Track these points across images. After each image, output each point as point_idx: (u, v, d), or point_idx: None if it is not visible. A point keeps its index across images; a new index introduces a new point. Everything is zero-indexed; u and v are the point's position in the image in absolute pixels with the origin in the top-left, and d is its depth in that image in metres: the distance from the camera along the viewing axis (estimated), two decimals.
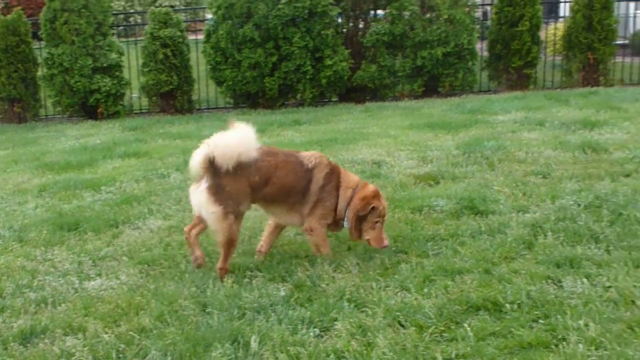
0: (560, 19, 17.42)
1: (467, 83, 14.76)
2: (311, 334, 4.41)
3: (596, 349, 4.05)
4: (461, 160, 8.39)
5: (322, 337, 4.42)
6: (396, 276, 5.18)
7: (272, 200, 5.60)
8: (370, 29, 14.39)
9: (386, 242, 5.58)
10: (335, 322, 4.53)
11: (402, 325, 4.47)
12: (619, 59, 16.00)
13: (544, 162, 8.11)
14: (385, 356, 4.11)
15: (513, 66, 14.81)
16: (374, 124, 11.34)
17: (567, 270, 5.11)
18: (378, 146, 9.42)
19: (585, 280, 4.92)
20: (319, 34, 13.85)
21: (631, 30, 18.93)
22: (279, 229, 5.90)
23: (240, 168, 5.28)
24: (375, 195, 5.61)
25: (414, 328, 4.40)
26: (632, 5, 18.37)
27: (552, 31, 17.40)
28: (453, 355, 4.10)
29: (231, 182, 5.27)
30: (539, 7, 14.76)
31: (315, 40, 13.83)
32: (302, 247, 5.86)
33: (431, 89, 14.64)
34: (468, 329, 4.35)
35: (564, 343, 4.14)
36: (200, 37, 15.03)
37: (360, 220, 5.55)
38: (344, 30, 14.86)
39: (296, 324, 4.51)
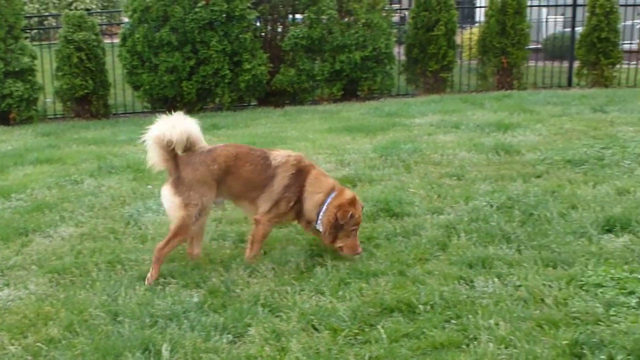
0: (476, 24, 17.74)
1: (385, 87, 14.89)
2: (224, 340, 4.35)
3: (506, 348, 4.11)
4: (378, 163, 8.44)
5: (235, 343, 4.37)
6: (311, 280, 5.17)
7: (236, 193, 5.62)
8: (289, 32, 14.38)
9: (359, 249, 5.55)
10: (249, 328, 4.49)
11: (316, 329, 4.45)
12: (532, 63, 16.39)
13: (459, 164, 8.23)
14: None
15: (430, 70, 15.02)
16: (293, 128, 11.33)
17: (479, 271, 5.19)
18: (296, 150, 9.36)
19: (496, 279, 5.00)
20: (237, 38, 13.76)
21: (544, 34, 19.43)
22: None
23: (198, 159, 5.37)
24: (352, 203, 5.55)
25: (327, 332, 4.40)
26: (544, 10, 18.88)
27: (468, 36, 17.72)
28: (366, 358, 4.11)
29: (190, 172, 5.33)
30: (454, 12, 15.01)
31: (233, 44, 13.75)
32: (217, 252, 5.79)
33: (350, 93, 14.72)
34: (382, 331, 4.37)
35: (475, 342, 4.19)
36: (117, 40, 14.77)
37: (336, 228, 5.48)
38: (263, 34, 14.83)
39: (209, 331, 4.45)
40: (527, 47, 15.55)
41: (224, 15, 13.60)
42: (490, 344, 4.13)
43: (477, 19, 19.10)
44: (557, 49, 17.93)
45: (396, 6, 16.98)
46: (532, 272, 5.07)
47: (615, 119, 10.76)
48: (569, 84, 16.04)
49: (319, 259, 5.59)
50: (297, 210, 5.65)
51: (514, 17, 14.95)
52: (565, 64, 16.50)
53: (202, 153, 5.45)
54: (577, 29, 16.06)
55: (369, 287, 4.99)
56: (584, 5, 15.67)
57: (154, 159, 5.41)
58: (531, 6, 16.27)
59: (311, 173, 5.63)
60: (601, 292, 4.73)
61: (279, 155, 5.63)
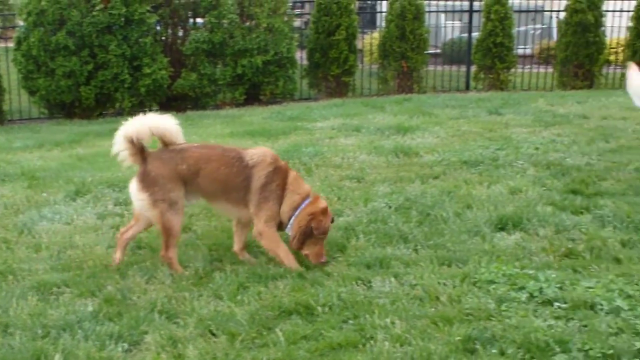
0: (377, 29, 17.98)
1: (287, 91, 14.92)
2: (119, 349, 4.27)
3: (401, 346, 4.18)
4: None
5: (131, 351, 4.30)
6: (210, 285, 5.13)
7: (210, 194, 5.58)
8: (190, 37, 14.25)
9: (325, 258, 5.48)
10: (145, 335, 4.42)
11: (213, 334, 4.42)
12: (431, 67, 16.74)
13: (359, 166, 8.32)
14: None
15: (332, 74, 15.14)
16: (195, 133, 11.20)
17: (377, 271, 5.26)
18: None
19: (393, 279, 5.07)
20: (137, 42, 13.55)
21: (442, 40, 19.86)
22: (242, 225, 5.70)
23: (167, 156, 5.41)
24: (324, 212, 5.50)
25: (225, 336, 4.37)
26: (442, 16, 19.30)
27: (370, 40, 17.95)
28: None
29: (157, 168, 5.36)
30: (355, 17, 15.18)
31: (133, 48, 13.52)
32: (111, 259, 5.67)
33: (253, 97, 14.69)
34: (280, 333, 4.37)
35: (372, 342, 4.24)
36: (11, 44, 14.31)
37: (306, 235, 5.43)
38: (163, 38, 14.63)
39: (104, 340, 4.35)
40: (426, 52, 15.85)
41: (123, 19, 13.36)
42: (386, 343, 4.19)
43: (377, 24, 19.37)
44: (455, 54, 18.38)
45: (298, 11, 17.02)
46: (428, 271, 5.18)
47: (510, 121, 11.08)
48: (467, 87, 16.44)
49: (218, 263, 5.55)
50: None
51: (413, 22, 15.22)
52: (463, 68, 16.90)
53: (173, 150, 5.46)
54: (473, 34, 16.48)
55: (267, 291, 4.98)
56: (480, 11, 16.08)
57: (122, 153, 5.43)
58: (429, 12, 16.59)
59: (290, 174, 5.60)
60: (493, 289, 4.86)
61: (255, 153, 5.55)
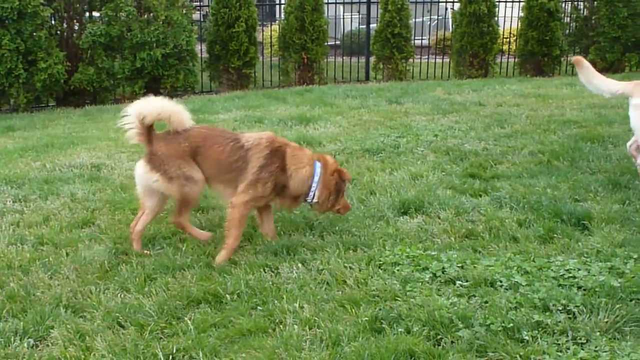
0: (277, 21, 18.01)
1: (188, 84, 14.80)
2: (25, 345, 4.20)
3: (310, 329, 4.25)
4: None
5: (37, 346, 4.22)
6: (116, 278, 5.08)
7: (208, 175, 5.61)
8: (86, 30, 13.94)
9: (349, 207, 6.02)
10: (52, 330, 4.35)
11: (122, 326, 4.39)
12: (332, 59, 16.89)
13: None
14: (104, 358, 4.02)
15: (232, 66, 15.10)
16: (94, 127, 11.02)
17: (284, 258, 5.31)
18: (98, 149, 9.15)
19: (300, 265, 5.14)
20: (31, 36, 13.16)
21: (342, 31, 20.06)
22: (266, 209, 5.81)
23: (171, 136, 5.54)
24: (339, 165, 5.91)
25: (134, 327, 4.35)
26: (341, 7, 19.46)
27: (270, 32, 17.98)
28: (174, 350, 4.09)
29: (162, 147, 5.49)
30: (254, 8, 15.17)
31: (27, 42, 13.12)
32: (16, 256, 5.52)
33: (153, 91, 14.34)
34: (189, 322, 4.38)
35: (281, 326, 4.30)
36: None
37: (338, 192, 5.75)
38: (59, 32, 14.27)
39: (9, 337, 4.26)
40: (326, 43, 16.00)
41: (16, 13, 12.95)
42: (295, 327, 4.26)
43: (277, 16, 19.40)
44: (354, 45, 18.58)
45: (197, 3, 16.86)
46: (334, 256, 5.27)
47: (409, 110, 11.30)
48: (367, 77, 16.67)
49: (124, 256, 5.50)
50: (278, 190, 5.63)
51: (312, 14, 15.33)
52: (363, 59, 17.12)
53: (176, 131, 5.58)
54: (372, 25, 16.71)
55: (175, 281, 4.98)
56: (377, 3, 16.32)
57: (131, 131, 5.54)
58: (328, 3, 16.73)
59: (287, 151, 5.66)
60: (398, 270, 4.99)
61: (251, 137, 5.67)
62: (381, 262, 5.13)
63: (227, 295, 4.70)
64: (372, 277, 4.89)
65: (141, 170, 5.55)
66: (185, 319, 4.44)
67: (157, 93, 13.99)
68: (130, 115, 5.53)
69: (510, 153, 8.25)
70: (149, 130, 5.54)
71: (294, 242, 5.58)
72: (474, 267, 5.01)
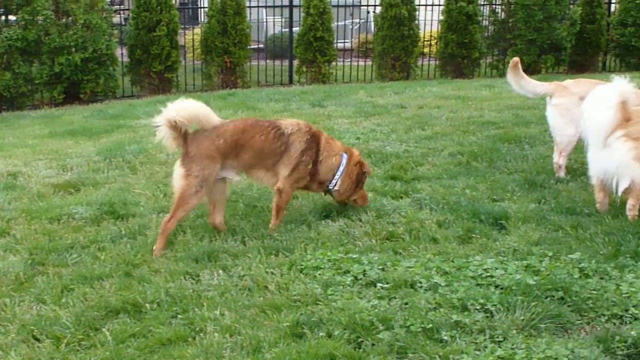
0: (201, 24, 17.85)
1: (109, 88, 14.54)
2: None
3: (231, 336, 4.22)
4: (103, 166, 8.24)
5: None
6: (32, 289, 4.96)
7: (249, 164, 5.95)
8: (2, 34, 13.55)
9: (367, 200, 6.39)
10: None
11: (37, 339, 4.28)
12: (256, 62, 16.83)
13: None
14: None
15: (154, 71, 14.89)
16: (10, 134, 10.73)
17: (205, 264, 5.27)
18: (14, 157, 8.92)
19: (221, 272, 5.11)
20: None
21: (266, 34, 20.03)
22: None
23: (203, 135, 5.78)
24: (362, 159, 6.36)
25: (50, 340, 4.25)
26: (264, 11, 19.39)
27: (193, 36, 17.81)
28: None
29: (195, 147, 5.74)
30: (175, 12, 14.99)
31: None
32: None
33: (73, 96, 14.20)
34: (107, 333, 4.30)
35: (202, 334, 4.26)
36: None
37: (358, 182, 6.23)
38: None
39: None
40: (249, 47, 15.94)
41: None
42: (216, 334, 4.22)
43: (200, 19, 19.24)
44: (278, 48, 18.56)
45: (117, 7, 16.61)
46: (256, 261, 5.25)
47: (332, 113, 11.35)
48: (290, 81, 16.68)
49: (40, 267, 5.37)
50: (312, 173, 6.09)
51: (234, 17, 15.25)
52: (287, 62, 17.11)
53: (208, 129, 5.82)
54: (295, 29, 16.73)
55: (93, 291, 4.88)
56: (300, 6, 16.34)
57: (166, 140, 5.79)
58: (251, 7, 16.68)
59: (322, 137, 6.17)
60: (319, 274, 5.00)
61: (289, 123, 6.08)
62: (303, 267, 5.13)
63: (146, 305, 4.63)
64: (293, 282, 4.89)
65: (176, 167, 5.87)
66: (104, 329, 4.36)
67: (76, 98, 13.85)
68: (161, 124, 5.75)
69: (430, 155, 8.36)
70: (180, 132, 5.76)
71: (216, 248, 5.54)
72: (395, 269, 5.05)
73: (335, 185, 6.19)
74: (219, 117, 6.10)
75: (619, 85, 5.99)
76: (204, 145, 5.77)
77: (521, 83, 7.52)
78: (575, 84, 7.41)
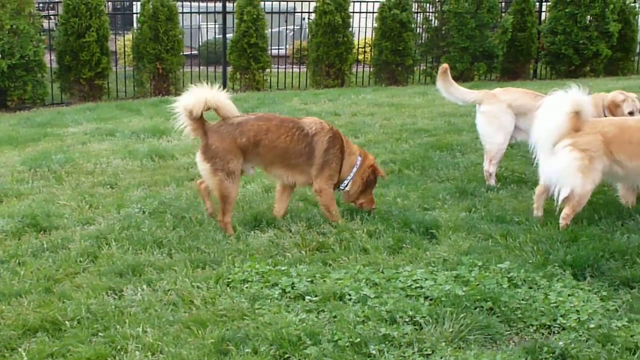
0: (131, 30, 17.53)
1: (37, 96, 14.13)
2: None
3: (153, 354, 4.09)
4: (27, 176, 7.98)
5: None
6: None
7: (270, 161, 6.12)
8: None
9: (374, 204, 6.44)
10: None
11: None
12: (189, 69, 16.61)
13: (113, 172, 8.07)
14: None
15: (84, 77, 14.55)
16: None
17: (129, 279, 5.11)
18: None
19: (146, 286, 4.96)
20: None
21: (199, 41, 19.82)
22: (287, 190, 6.38)
23: (227, 130, 5.95)
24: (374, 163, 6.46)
25: None
26: (199, 17, 19.16)
27: (124, 42, 17.49)
28: None
29: (217, 141, 5.91)
30: (105, 18, 14.68)
31: None
32: None
33: None
34: (24, 354, 4.13)
35: (122, 353, 4.11)
36: None
37: (368, 185, 6.33)
38: None
39: None
40: (182, 53, 15.72)
41: None
42: (137, 353, 4.09)
43: (135, 25, 18.89)
44: (212, 55, 18.34)
45: (46, 12, 16.19)
46: (182, 275, 5.11)
47: None
48: (224, 88, 16.41)
49: None
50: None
51: (166, 23, 15.00)
52: (221, 69, 16.92)
53: (231, 124, 6.00)
54: (229, 35, 16.57)
55: (11, 309, 4.68)
56: (233, 13, 16.18)
57: (185, 129, 6.04)
58: (183, 13, 16.44)
59: (343, 136, 6.37)
60: (247, 288, 4.90)
61: (312, 123, 6.25)
62: (230, 280, 5.02)
63: (66, 322, 4.45)
64: (220, 296, 4.77)
65: (198, 159, 6.03)
66: (20, 349, 4.18)
67: (3, 106, 13.44)
68: (179, 111, 6.02)
69: None
70: (200, 123, 5.97)
71: (141, 262, 5.38)
72: (324, 281, 4.98)
73: (346, 186, 6.31)
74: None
75: (573, 95, 6.00)
76: (226, 141, 5.94)
77: (450, 90, 7.56)
78: (504, 92, 7.48)
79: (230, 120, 6.05)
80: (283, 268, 5.17)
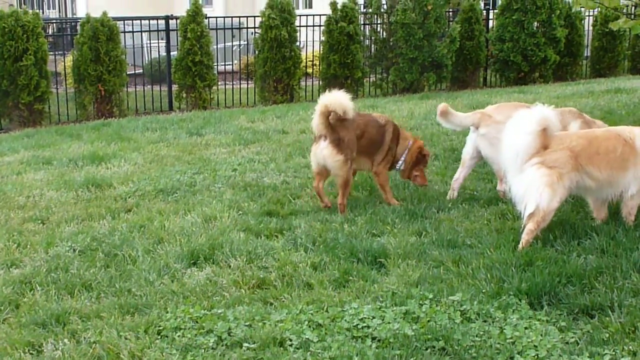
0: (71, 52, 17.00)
1: None
2: None
3: None
4: None
5: None
6: None
7: (362, 150, 7.18)
8: None
9: (427, 181, 7.60)
10: None
11: None
12: (137, 88, 16.14)
13: (45, 205, 7.61)
14: None
15: (23, 102, 13.98)
16: None
17: (52, 330, 4.69)
18: None
19: (68, 340, 4.52)
20: None
21: (142, 60, 19.36)
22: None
23: (349, 123, 6.96)
24: (424, 147, 7.58)
25: None
26: (144, 35, 18.68)
27: (64, 64, 16.95)
28: None
29: (346, 135, 6.93)
30: (43, 40, 14.17)
31: None
32: None
33: None
34: None
35: None
36: None
37: (417, 163, 7.41)
38: None
39: None
40: (127, 73, 15.24)
41: None
42: None
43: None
44: (157, 74, 17.88)
45: None
46: (109, 323, 4.69)
47: (211, 141, 10.86)
48: (170, 107, 16.05)
49: None
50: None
51: (107, 43, 14.50)
52: (166, 88, 16.46)
53: (349, 120, 6.97)
54: (173, 53, 16.14)
55: None
56: (177, 30, 15.76)
57: (318, 125, 6.91)
58: (125, 32, 15.98)
59: (398, 126, 7.58)
60: (179, 336, 4.51)
61: (380, 117, 7.55)
62: (161, 328, 4.61)
63: None
64: (149, 348, 4.37)
65: (327, 151, 6.88)
66: None
67: None
68: (316, 110, 6.88)
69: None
70: (329, 120, 6.84)
71: (66, 309, 4.95)
72: (264, 324, 4.61)
73: (400, 165, 7.43)
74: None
75: (539, 112, 5.89)
76: (351, 133, 6.98)
77: (450, 119, 7.34)
78: (497, 111, 7.24)
79: (345, 118, 6.93)
80: (220, 311, 4.78)
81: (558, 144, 5.89)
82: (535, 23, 17.36)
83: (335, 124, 6.86)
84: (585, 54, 19.26)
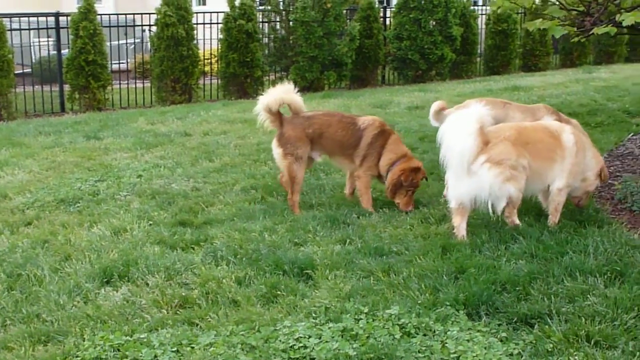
0: None
1: None
2: None
3: None
4: None
5: None
6: None
7: (330, 150, 7.15)
8: None
9: (411, 207, 6.86)
10: None
11: None
12: (27, 89, 15.32)
13: None
14: None
15: None
16: None
17: None
18: None
19: None
20: None
21: (35, 58, 18.46)
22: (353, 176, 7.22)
23: (298, 121, 6.99)
24: (416, 170, 6.91)
25: None
26: (31, 33, 17.75)
27: None
28: None
29: (289, 130, 6.95)
30: None
31: None
32: None
33: None
34: None
35: None
36: None
37: (396, 186, 6.85)
38: None
39: None
40: (15, 73, 14.43)
41: None
42: None
43: None
44: (47, 73, 17.02)
45: None
46: (20, 356, 4.24)
47: (110, 145, 10.32)
48: (62, 109, 15.32)
49: None
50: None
51: None
52: (57, 89, 15.68)
53: (302, 117, 7.05)
54: (64, 52, 15.40)
55: None
56: (68, 28, 15.04)
57: (265, 121, 7.01)
58: (12, 30, 15.11)
59: (392, 136, 7.12)
60: None
61: (365, 120, 7.16)
62: (79, 359, 4.20)
63: None
64: None
65: (274, 145, 7.00)
66: None
67: None
68: (259, 110, 6.92)
69: (221, 191, 7.66)
70: (278, 116, 6.94)
71: None
72: (192, 349, 4.26)
73: (385, 181, 7.01)
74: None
75: (476, 111, 5.96)
76: (297, 129, 6.93)
77: (441, 119, 7.10)
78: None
79: (302, 114, 7.05)
80: (142, 336, 4.40)
81: (495, 138, 5.93)
82: (432, 21, 17.50)
83: (284, 120, 7.00)
84: (479, 52, 19.57)
